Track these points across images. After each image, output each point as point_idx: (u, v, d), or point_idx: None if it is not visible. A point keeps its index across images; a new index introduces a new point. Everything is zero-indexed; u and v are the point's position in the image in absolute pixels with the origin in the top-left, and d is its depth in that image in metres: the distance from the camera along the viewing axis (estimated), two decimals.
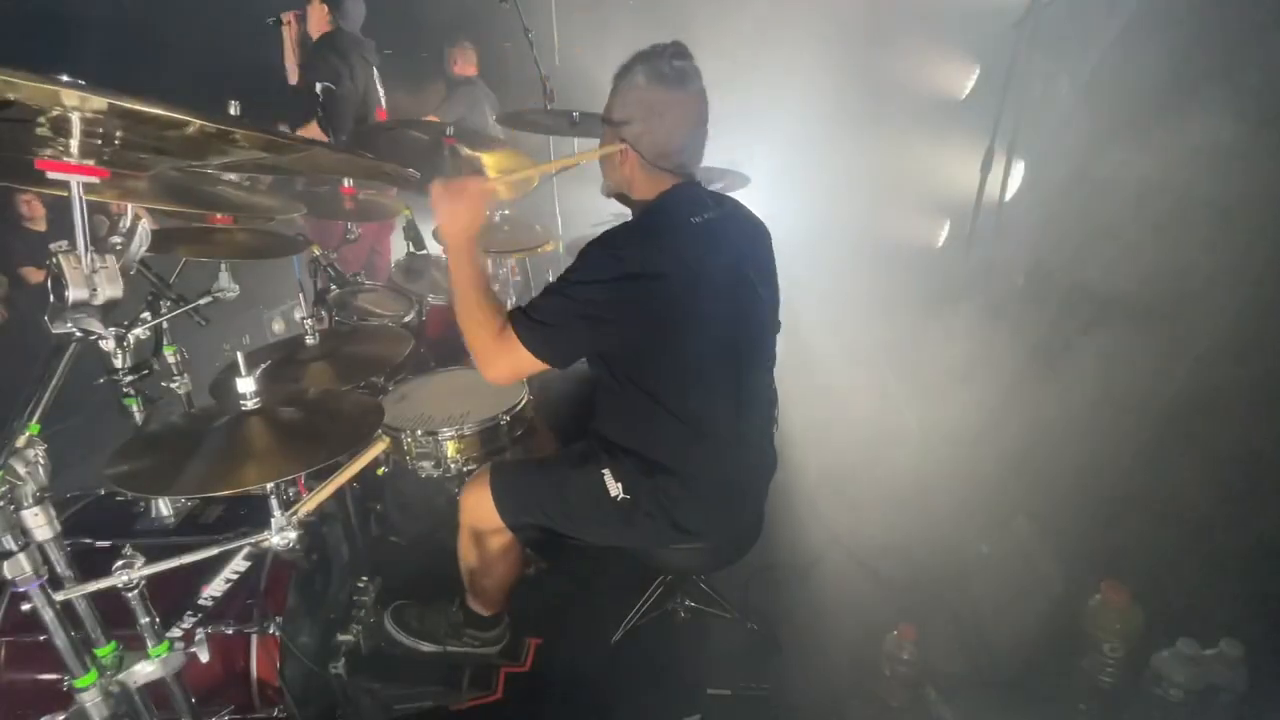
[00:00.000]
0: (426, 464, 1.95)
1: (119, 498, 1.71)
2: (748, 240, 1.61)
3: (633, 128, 1.47)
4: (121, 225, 1.13)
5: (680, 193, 1.53)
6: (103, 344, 1.57)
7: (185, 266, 1.80)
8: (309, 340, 1.95)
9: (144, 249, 1.14)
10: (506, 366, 1.46)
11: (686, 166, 1.54)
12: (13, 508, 0.98)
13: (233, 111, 1.74)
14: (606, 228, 1.52)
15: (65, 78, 0.75)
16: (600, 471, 1.57)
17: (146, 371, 1.69)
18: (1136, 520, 2.12)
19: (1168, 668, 1.69)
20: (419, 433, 1.92)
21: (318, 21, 3.29)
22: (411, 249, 2.64)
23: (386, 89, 3.58)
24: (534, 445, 2.05)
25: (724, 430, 1.55)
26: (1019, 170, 3.12)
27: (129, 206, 1.16)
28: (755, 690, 1.89)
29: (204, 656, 1.27)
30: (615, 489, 1.56)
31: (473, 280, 1.47)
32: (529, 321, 1.42)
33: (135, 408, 1.68)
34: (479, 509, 1.67)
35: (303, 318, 1.96)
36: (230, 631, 1.45)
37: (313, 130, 3.21)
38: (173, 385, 1.83)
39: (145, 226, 1.14)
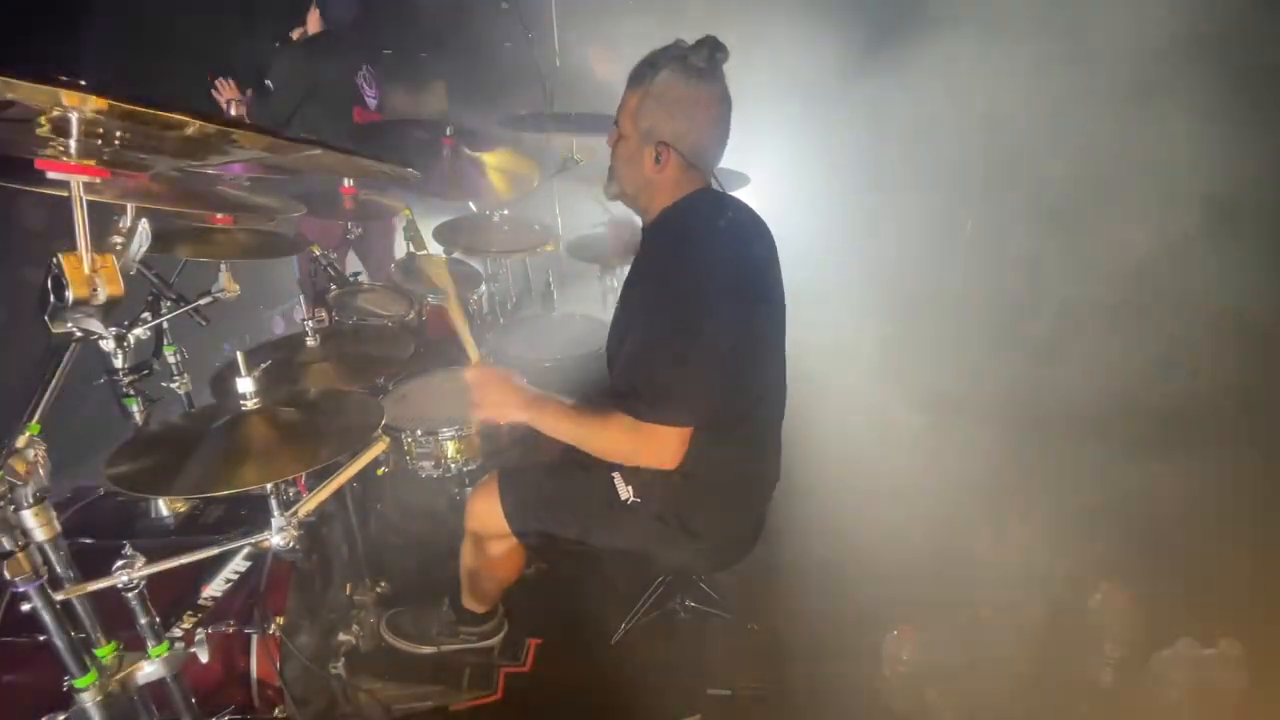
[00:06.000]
0: (427, 464, 1.95)
1: (119, 498, 1.72)
2: (761, 240, 1.59)
3: (675, 125, 1.40)
4: (121, 225, 1.13)
5: (706, 194, 1.50)
6: (103, 344, 1.57)
7: (185, 266, 1.80)
8: (309, 341, 1.95)
9: (144, 249, 1.14)
10: (668, 454, 1.41)
11: (714, 165, 1.50)
12: (13, 508, 0.98)
13: (232, 112, 1.74)
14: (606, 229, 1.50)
15: (65, 77, 0.75)
16: (610, 474, 1.55)
17: (146, 371, 1.69)
18: (1136, 520, 2.13)
19: (1168, 668, 1.69)
20: (419, 433, 1.92)
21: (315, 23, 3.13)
22: (411, 249, 2.64)
23: (384, 90, 3.55)
24: (535, 445, 2.05)
25: (742, 431, 1.53)
26: (1019, 171, 3.11)
27: (129, 206, 1.16)
28: (755, 690, 1.89)
29: (204, 656, 1.27)
30: (626, 492, 1.54)
31: (564, 429, 1.46)
32: (660, 405, 1.37)
33: (135, 408, 1.68)
34: (487, 516, 1.64)
35: (303, 319, 1.95)
36: (230, 631, 1.45)
37: None
38: (173, 385, 1.84)
39: (145, 226, 1.14)
